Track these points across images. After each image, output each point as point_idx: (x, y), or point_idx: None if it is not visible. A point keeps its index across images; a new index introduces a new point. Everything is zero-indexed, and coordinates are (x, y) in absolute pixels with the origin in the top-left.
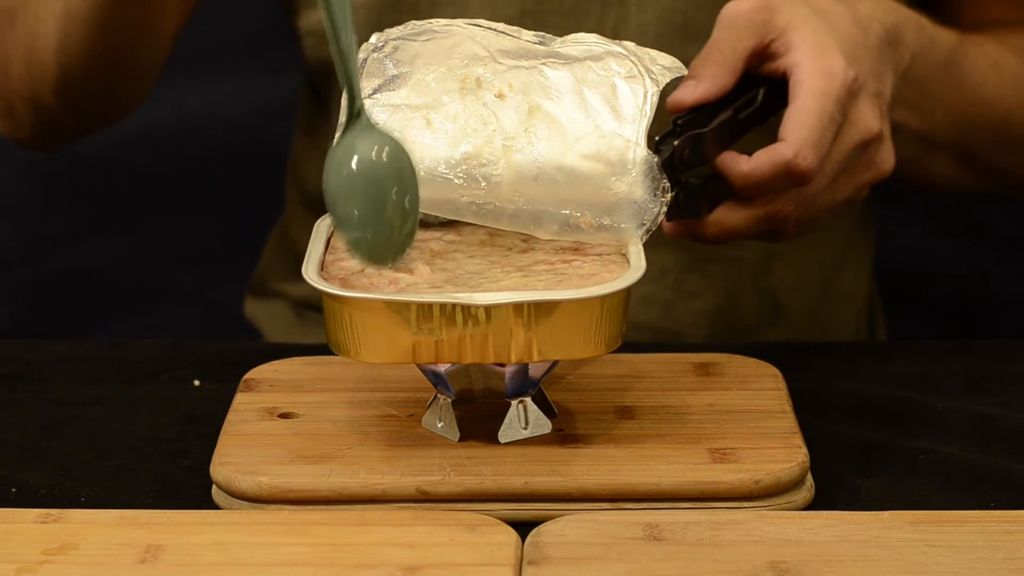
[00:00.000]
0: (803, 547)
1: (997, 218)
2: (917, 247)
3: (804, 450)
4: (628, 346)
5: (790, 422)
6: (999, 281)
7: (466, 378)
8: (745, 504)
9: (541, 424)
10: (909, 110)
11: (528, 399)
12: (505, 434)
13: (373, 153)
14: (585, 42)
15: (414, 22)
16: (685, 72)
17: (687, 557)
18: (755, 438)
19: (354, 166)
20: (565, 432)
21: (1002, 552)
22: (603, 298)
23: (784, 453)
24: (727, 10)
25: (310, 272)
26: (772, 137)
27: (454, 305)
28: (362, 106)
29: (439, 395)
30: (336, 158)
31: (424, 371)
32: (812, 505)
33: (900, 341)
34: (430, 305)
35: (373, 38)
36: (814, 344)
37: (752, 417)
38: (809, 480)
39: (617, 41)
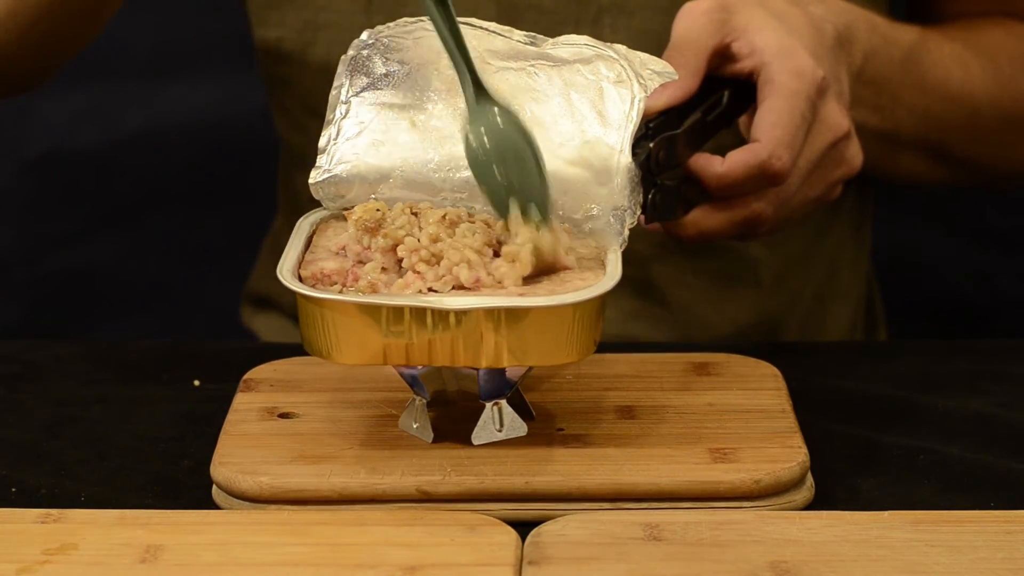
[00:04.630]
0: (803, 547)
1: (997, 218)
2: (918, 247)
3: (804, 450)
4: (628, 346)
5: (790, 422)
6: (999, 281)
7: (439, 380)
8: (745, 504)
9: (516, 426)
10: (868, 110)
11: (503, 401)
12: (479, 436)
13: (494, 127)
14: (576, 44)
15: (405, 19)
16: (676, 77)
17: (687, 557)
18: (755, 438)
19: (482, 142)
20: (565, 432)
21: (1002, 552)
22: (575, 305)
23: (784, 453)
24: (684, 12)
25: (284, 272)
26: (740, 137)
27: (424, 308)
28: (477, 82)
29: (415, 397)
30: (469, 136)
31: (400, 372)
32: (812, 505)
33: (900, 341)
34: (400, 308)
35: (364, 35)
36: (814, 344)
37: (752, 417)
38: (809, 480)
39: (608, 44)
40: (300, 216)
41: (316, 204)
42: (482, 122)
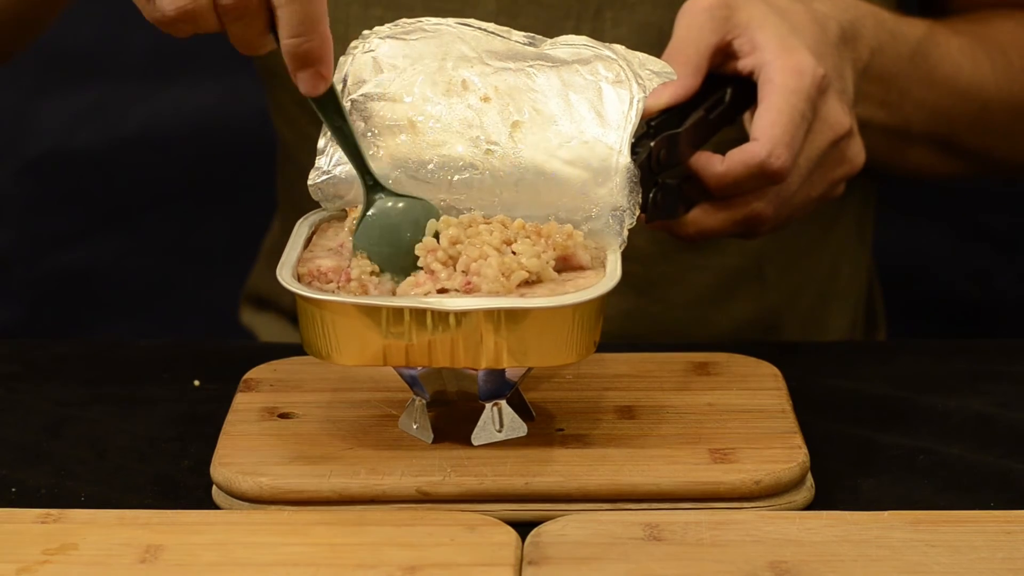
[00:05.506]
0: (803, 547)
1: (997, 218)
2: (917, 247)
3: (804, 450)
4: (628, 346)
5: (790, 422)
6: (999, 281)
7: (439, 380)
8: (745, 504)
9: (516, 427)
10: (875, 105)
11: (503, 402)
12: (479, 436)
13: (390, 220)
14: (574, 44)
15: (404, 20)
16: (675, 77)
17: (687, 557)
18: (755, 438)
19: (375, 235)
20: (565, 432)
21: (1002, 552)
22: (575, 306)
23: (784, 453)
24: (686, 9)
25: (284, 273)
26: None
27: (424, 309)
28: (374, 183)
29: (415, 397)
30: (362, 227)
31: (400, 373)
32: (812, 505)
33: (900, 341)
34: (400, 309)
35: (363, 35)
36: (814, 344)
37: (752, 417)
38: (809, 480)
39: (607, 44)
40: (298, 211)
41: (310, 198)
42: (373, 216)
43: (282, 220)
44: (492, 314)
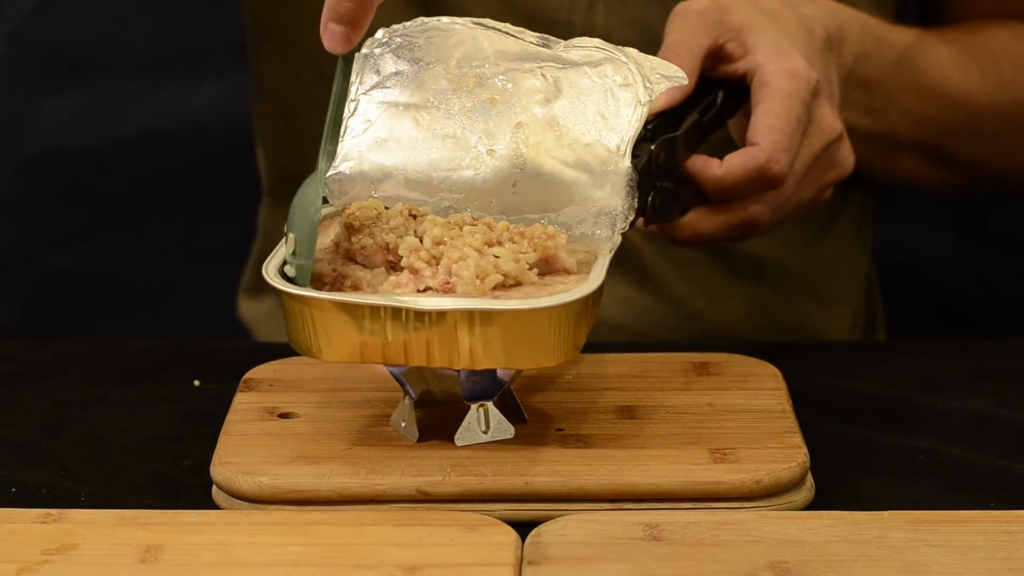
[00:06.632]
0: (803, 547)
1: (997, 218)
2: (917, 247)
3: (804, 450)
4: (628, 346)
5: (790, 422)
6: (999, 281)
7: (422, 380)
8: (745, 504)
9: (503, 429)
10: (859, 112)
11: (489, 403)
12: (463, 438)
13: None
14: (586, 47)
15: (421, 19)
16: (686, 81)
17: (687, 557)
18: (755, 438)
19: (294, 205)
20: (565, 432)
21: (1002, 552)
22: (552, 309)
23: (784, 453)
24: (678, 11)
25: (270, 270)
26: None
27: (400, 308)
28: (325, 164)
29: (405, 395)
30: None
31: (389, 371)
32: (812, 505)
33: (900, 341)
34: (377, 307)
35: (379, 33)
36: (814, 344)
37: (752, 417)
38: (809, 480)
39: (620, 47)
40: (289, 178)
41: (304, 164)
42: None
43: (272, 191)
44: (467, 315)
